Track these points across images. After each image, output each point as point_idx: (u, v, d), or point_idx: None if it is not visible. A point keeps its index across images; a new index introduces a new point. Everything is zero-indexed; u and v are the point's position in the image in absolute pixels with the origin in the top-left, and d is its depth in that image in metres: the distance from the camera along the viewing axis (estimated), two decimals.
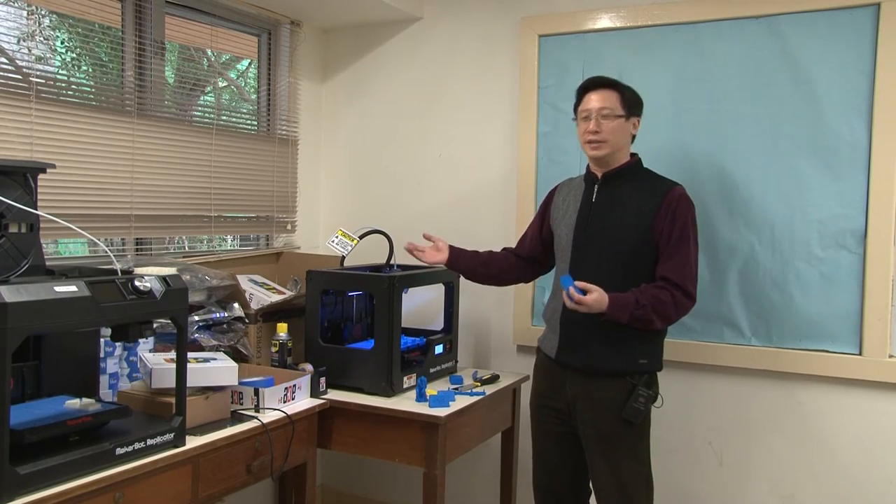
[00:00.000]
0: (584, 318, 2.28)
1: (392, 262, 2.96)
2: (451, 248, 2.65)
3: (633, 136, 2.44)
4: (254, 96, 3.50)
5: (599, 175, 2.42)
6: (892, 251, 2.55)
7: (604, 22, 2.96)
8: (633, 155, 2.44)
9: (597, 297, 2.20)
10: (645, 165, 2.46)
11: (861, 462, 2.65)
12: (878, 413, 2.62)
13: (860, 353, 2.61)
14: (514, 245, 2.76)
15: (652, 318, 2.24)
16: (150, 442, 1.91)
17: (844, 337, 2.63)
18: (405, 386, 2.64)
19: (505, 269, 2.68)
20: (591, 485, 2.48)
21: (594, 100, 2.36)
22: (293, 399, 2.45)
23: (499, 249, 2.77)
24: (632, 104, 2.38)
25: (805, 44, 2.65)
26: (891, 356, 2.57)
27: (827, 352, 2.66)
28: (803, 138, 2.66)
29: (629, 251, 2.32)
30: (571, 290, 2.20)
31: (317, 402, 2.51)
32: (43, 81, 2.45)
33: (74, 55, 2.88)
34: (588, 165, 2.49)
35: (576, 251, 2.41)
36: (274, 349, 2.68)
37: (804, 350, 2.69)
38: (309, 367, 2.63)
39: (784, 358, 2.71)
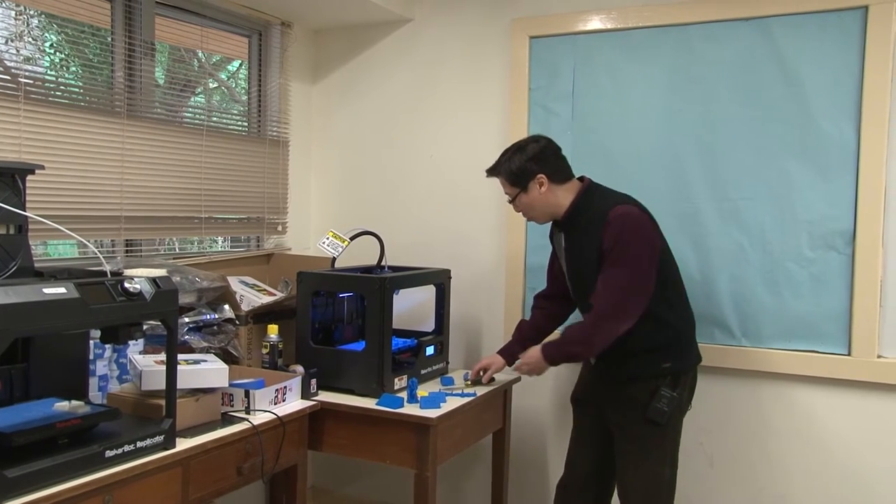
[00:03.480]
0: (607, 349, 2.37)
1: (383, 263, 2.96)
2: (504, 351, 2.74)
3: (564, 177, 2.43)
4: (244, 97, 3.49)
5: (560, 223, 2.49)
6: (880, 252, 2.57)
7: (595, 24, 2.96)
8: (581, 178, 2.46)
9: (532, 354, 2.49)
10: (598, 183, 2.48)
11: (850, 461, 2.66)
12: (866, 412, 2.63)
13: (849, 354, 2.62)
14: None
15: (577, 350, 2.44)
16: (139, 444, 1.90)
17: (834, 337, 2.64)
18: (396, 387, 2.64)
19: (552, 316, 2.75)
20: (615, 485, 2.55)
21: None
22: (284, 401, 2.45)
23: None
24: (519, 175, 2.42)
25: (794, 46, 2.66)
26: (879, 356, 2.59)
27: (816, 352, 2.67)
28: (793, 140, 2.68)
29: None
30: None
31: (308, 403, 2.50)
32: (31, 82, 2.44)
33: (63, 56, 2.87)
34: None
35: (574, 290, 2.54)
36: (264, 351, 2.68)
37: (794, 350, 2.70)
38: (300, 368, 2.62)
39: (774, 358, 2.73)
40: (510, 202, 2.49)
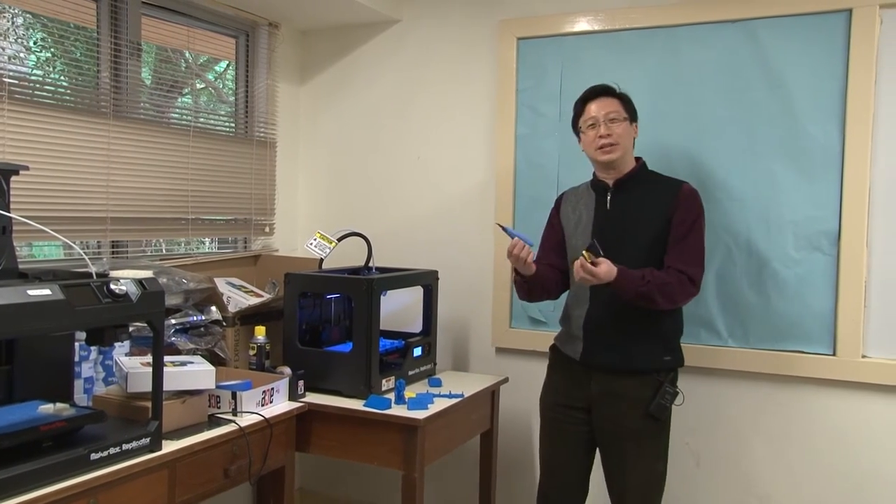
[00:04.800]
0: (609, 324, 2.38)
1: (370, 264, 2.95)
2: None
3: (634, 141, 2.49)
4: (232, 98, 3.48)
5: (611, 183, 2.44)
6: (864, 253, 2.59)
7: (582, 25, 2.97)
8: (637, 158, 2.49)
9: (605, 268, 2.22)
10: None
11: (835, 461, 2.68)
12: (851, 412, 2.65)
13: (834, 354, 2.64)
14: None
15: (655, 297, 2.27)
16: (125, 447, 1.89)
17: (819, 338, 2.66)
18: (384, 388, 2.63)
19: (554, 282, 2.55)
20: (594, 484, 2.54)
21: (596, 108, 2.42)
22: (271, 402, 2.44)
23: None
24: (632, 109, 2.46)
25: (780, 48, 2.68)
26: (864, 356, 2.61)
27: (802, 352, 2.69)
28: (778, 141, 2.69)
29: (647, 252, 2.36)
30: (582, 260, 2.21)
31: (295, 405, 2.50)
32: (16, 81, 2.42)
33: (49, 55, 2.85)
34: (595, 174, 2.50)
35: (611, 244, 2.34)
36: (252, 352, 2.67)
37: (780, 351, 2.72)
38: (287, 370, 2.62)
39: (760, 359, 2.74)
40: (610, 120, 2.37)
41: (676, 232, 2.36)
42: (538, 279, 2.47)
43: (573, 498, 2.56)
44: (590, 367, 2.43)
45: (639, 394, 2.36)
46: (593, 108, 2.42)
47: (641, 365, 2.37)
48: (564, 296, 2.60)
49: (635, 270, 2.28)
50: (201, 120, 3.21)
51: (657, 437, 2.41)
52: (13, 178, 1.96)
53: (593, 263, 2.21)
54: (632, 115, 2.44)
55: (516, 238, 2.36)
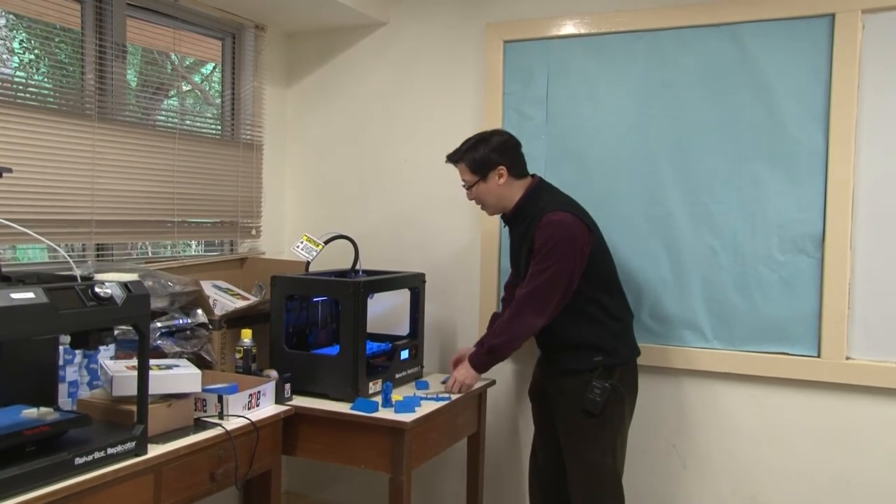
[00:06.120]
0: (545, 343, 2.63)
1: (357, 267, 2.95)
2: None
3: (520, 173, 2.57)
4: (218, 100, 3.47)
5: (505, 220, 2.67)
6: (848, 255, 2.61)
7: (568, 28, 2.98)
8: (533, 176, 2.59)
9: (463, 371, 2.64)
10: (547, 184, 2.62)
11: (820, 462, 2.70)
12: (835, 413, 2.67)
13: (818, 356, 2.66)
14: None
15: (495, 345, 2.55)
16: (110, 451, 1.87)
17: (803, 339, 2.68)
18: (371, 391, 2.63)
19: None
20: None
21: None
22: (258, 406, 2.43)
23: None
24: (481, 164, 2.53)
25: (764, 52, 2.70)
26: (848, 358, 2.63)
27: (787, 354, 2.71)
28: (763, 144, 2.71)
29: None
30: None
31: (282, 408, 2.49)
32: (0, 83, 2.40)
33: (33, 56, 2.83)
34: None
35: (516, 279, 2.69)
36: (238, 355, 2.66)
37: (764, 353, 2.74)
38: (274, 373, 2.61)
39: (745, 360, 2.76)
40: (467, 188, 2.59)
41: (531, 264, 2.48)
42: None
43: (550, 477, 2.73)
44: (542, 366, 2.73)
45: (574, 390, 2.50)
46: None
47: (574, 367, 2.52)
48: None
49: (478, 344, 2.68)
50: (187, 122, 3.19)
51: (598, 432, 2.50)
52: None
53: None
54: (482, 170, 2.53)
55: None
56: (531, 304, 2.45)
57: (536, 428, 2.81)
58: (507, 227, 2.68)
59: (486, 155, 2.52)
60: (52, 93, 2.65)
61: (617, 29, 2.90)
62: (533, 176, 2.60)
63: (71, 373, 2.24)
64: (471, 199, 2.62)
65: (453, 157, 2.59)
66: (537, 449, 2.81)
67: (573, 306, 2.49)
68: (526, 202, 2.54)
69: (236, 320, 2.77)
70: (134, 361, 2.09)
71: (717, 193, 2.78)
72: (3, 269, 1.92)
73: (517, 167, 2.55)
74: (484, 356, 2.60)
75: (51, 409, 1.90)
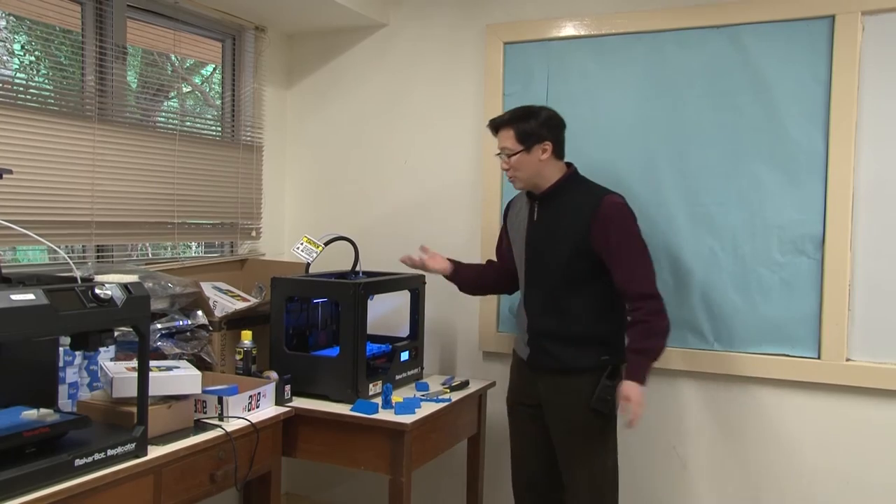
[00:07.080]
0: (549, 332, 2.50)
1: (357, 268, 2.95)
2: (451, 260, 2.79)
3: (561, 154, 2.50)
4: (218, 102, 3.47)
5: (536, 196, 2.53)
6: (848, 256, 2.61)
7: (568, 30, 2.99)
8: (569, 165, 2.53)
9: (634, 391, 2.32)
10: (582, 175, 2.55)
11: (820, 463, 2.70)
12: (836, 415, 2.67)
13: (819, 357, 2.66)
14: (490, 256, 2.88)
15: (655, 348, 2.37)
16: (110, 452, 1.87)
17: (803, 341, 2.68)
18: (371, 393, 2.63)
19: (496, 279, 2.81)
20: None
21: (498, 140, 2.50)
22: (258, 407, 2.43)
23: (482, 261, 2.93)
24: (529, 135, 2.44)
25: (764, 53, 2.70)
26: (848, 359, 2.62)
27: (787, 356, 2.70)
28: (763, 146, 2.71)
29: (566, 263, 2.44)
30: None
31: (282, 409, 2.49)
32: (0, 85, 2.40)
33: (33, 58, 2.83)
34: None
35: (527, 265, 2.56)
36: (238, 357, 2.66)
37: (765, 354, 2.73)
38: (273, 374, 2.61)
39: (746, 362, 2.76)
40: (506, 156, 2.46)
41: (609, 247, 2.39)
42: (463, 279, 2.78)
43: (543, 489, 2.65)
44: (535, 369, 2.55)
45: (581, 390, 2.44)
46: (497, 140, 2.51)
47: (580, 365, 2.45)
48: None
49: (634, 356, 2.36)
50: (187, 124, 3.19)
51: (603, 431, 2.48)
52: None
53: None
54: (528, 141, 2.43)
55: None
56: (655, 290, 2.38)
57: (522, 440, 2.67)
58: (533, 207, 2.53)
59: (536, 128, 2.43)
60: (52, 94, 2.65)
61: (617, 30, 2.91)
62: (569, 164, 2.53)
63: (71, 374, 2.24)
64: (504, 168, 2.49)
65: (499, 121, 2.49)
66: (526, 462, 2.67)
67: (596, 291, 2.44)
68: (568, 183, 2.47)
69: (236, 322, 2.77)
70: (134, 363, 2.09)
71: (717, 195, 2.77)
72: (4, 271, 1.92)
73: (560, 147, 2.49)
74: (644, 363, 2.36)
75: (51, 411, 1.91)
